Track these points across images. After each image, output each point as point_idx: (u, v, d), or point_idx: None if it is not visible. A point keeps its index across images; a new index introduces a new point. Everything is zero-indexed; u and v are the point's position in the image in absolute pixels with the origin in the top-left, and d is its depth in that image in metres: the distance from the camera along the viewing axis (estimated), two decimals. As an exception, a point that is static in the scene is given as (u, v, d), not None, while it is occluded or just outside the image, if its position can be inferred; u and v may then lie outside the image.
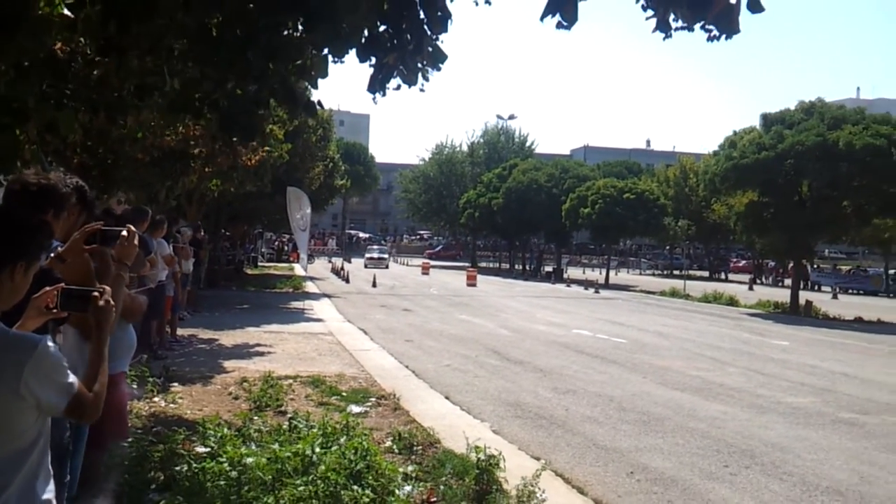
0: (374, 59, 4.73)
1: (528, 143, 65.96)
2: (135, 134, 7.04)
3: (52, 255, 3.40)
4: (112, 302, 2.59)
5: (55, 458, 3.09)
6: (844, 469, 6.59)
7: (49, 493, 2.27)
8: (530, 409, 8.49)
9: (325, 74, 4.73)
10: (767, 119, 25.92)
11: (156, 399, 8.12)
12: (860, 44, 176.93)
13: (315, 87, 5.04)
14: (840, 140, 22.58)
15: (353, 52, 4.50)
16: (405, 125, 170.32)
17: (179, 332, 12.74)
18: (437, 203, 62.31)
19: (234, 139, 5.34)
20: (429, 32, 4.65)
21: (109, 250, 3.40)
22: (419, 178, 64.38)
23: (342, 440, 5.87)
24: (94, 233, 3.38)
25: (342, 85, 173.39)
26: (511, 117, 66.22)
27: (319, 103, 5.18)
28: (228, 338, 12.92)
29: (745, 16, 4.08)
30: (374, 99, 5.14)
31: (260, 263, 42.74)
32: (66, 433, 3.02)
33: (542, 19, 4.12)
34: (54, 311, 2.59)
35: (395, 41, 4.58)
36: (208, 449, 5.88)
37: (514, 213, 45.06)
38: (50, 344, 2.21)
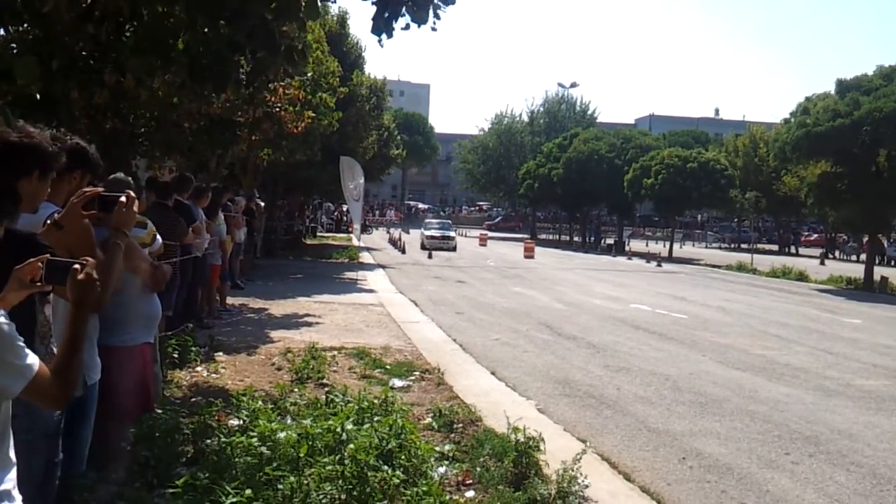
0: None
1: (589, 112, 64.56)
2: (170, 99, 6.82)
3: (48, 221, 3.22)
4: (95, 276, 2.34)
5: (44, 436, 2.94)
6: (920, 461, 6.06)
7: (7, 482, 2.05)
8: (579, 388, 8.13)
9: (315, 15, 4.28)
10: (843, 85, 24.54)
11: (198, 369, 8.06)
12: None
13: (304, 30, 4.62)
14: (923, 106, 21.21)
15: None
16: (466, 95, 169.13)
17: (230, 301, 12.76)
18: (496, 174, 61.71)
19: (206, 88, 4.95)
20: None
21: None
22: (478, 149, 63.83)
23: (376, 418, 5.64)
24: (93, 198, 3.17)
25: (402, 55, 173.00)
26: (573, 85, 64.91)
27: (304, 50, 4.74)
28: (278, 307, 12.88)
29: None
30: (379, 41, 4.62)
31: (319, 233, 43.07)
32: (55, 413, 2.82)
33: None
34: (38, 284, 2.35)
35: None
36: (241, 422, 5.75)
37: (574, 183, 44.21)
38: (3, 321, 1.97)
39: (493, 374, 8.60)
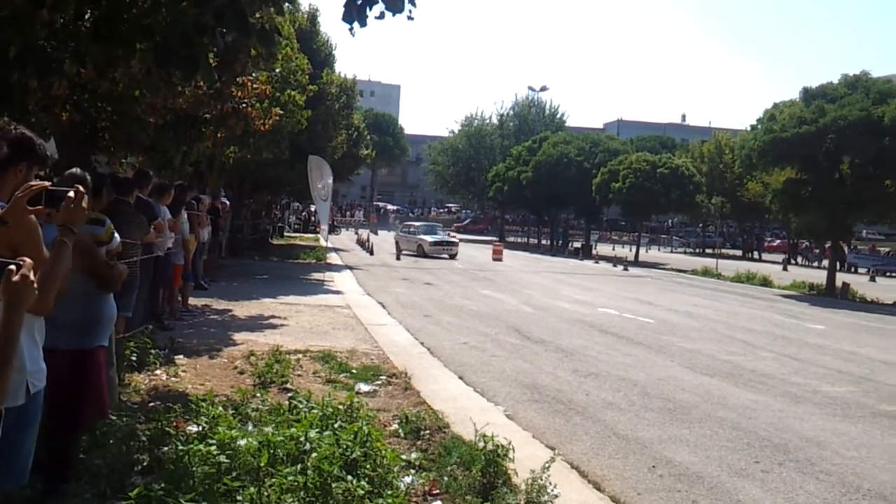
0: None
1: (558, 116, 64.84)
2: (132, 91, 6.57)
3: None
4: (31, 278, 2.15)
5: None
6: (889, 470, 6.04)
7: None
8: (548, 393, 8.03)
9: None
10: (808, 93, 24.89)
11: (157, 372, 7.81)
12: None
13: (281, 13, 4.39)
14: (886, 115, 21.56)
15: None
16: (436, 96, 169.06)
17: (193, 301, 12.46)
18: (466, 176, 61.68)
19: (174, 75, 4.66)
20: None
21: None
22: (448, 151, 63.74)
23: (341, 424, 5.47)
24: (40, 192, 2.97)
25: (372, 55, 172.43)
26: (543, 89, 65.05)
27: (277, 30, 4.51)
28: (243, 309, 12.61)
29: None
30: (350, 29, 4.28)
31: (286, 233, 42.62)
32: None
33: None
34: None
35: None
36: (200, 429, 5.54)
37: (543, 187, 44.31)
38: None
39: (460, 378, 8.46)
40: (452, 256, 31.57)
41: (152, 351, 8.06)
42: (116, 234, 5.92)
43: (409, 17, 4.13)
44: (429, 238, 32.56)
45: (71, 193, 2.95)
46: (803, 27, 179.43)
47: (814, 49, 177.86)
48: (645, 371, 9.54)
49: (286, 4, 4.26)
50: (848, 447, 6.61)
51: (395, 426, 6.31)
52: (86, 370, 4.40)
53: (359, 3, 3.96)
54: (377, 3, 4.01)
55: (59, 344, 4.05)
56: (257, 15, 4.05)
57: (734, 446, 6.42)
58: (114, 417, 5.24)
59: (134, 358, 7.56)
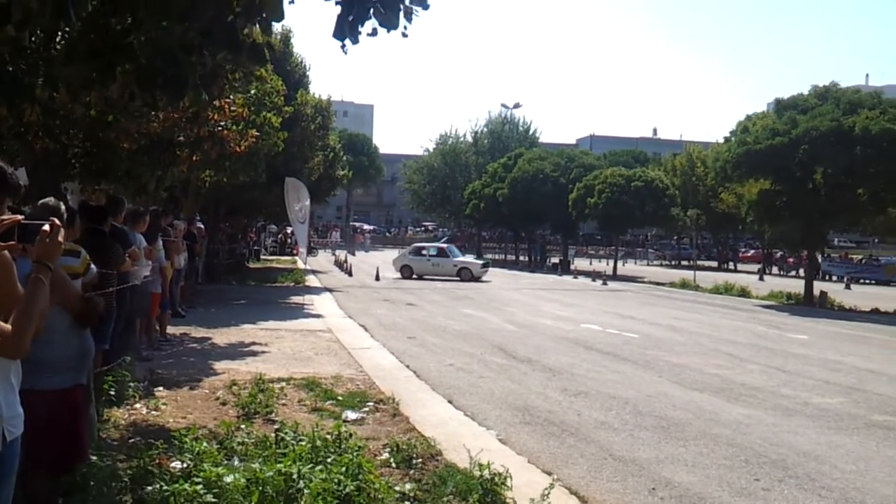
0: None
1: (532, 133, 65.15)
2: (106, 117, 6.37)
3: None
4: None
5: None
6: (889, 483, 5.96)
7: None
8: (539, 414, 7.88)
9: (279, 16, 3.83)
10: (780, 104, 25.20)
11: (137, 406, 7.55)
12: (868, 30, 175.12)
13: (268, 32, 4.20)
14: (856, 125, 21.82)
15: None
16: (409, 115, 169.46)
17: (171, 329, 12.19)
18: (442, 194, 61.65)
19: (159, 98, 4.42)
20: None
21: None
22: (423, 169, 63.74)
23: (330, 457, 5.28)
24: (12, 226, 2.79)
25: (346, 76, 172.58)
26: (516, 106, 65.46)
27: (269, 45, 4.30)
28: (222, 336, 12.35)
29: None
30: (342, 47, 4.09)
31: (263, 257, 42.23)
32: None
33: None
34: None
35: None
36: (184, 465, 5.32)
37: (519, 203, 44.35)
38: None
39: (450, 402, 8.29)
40: (477, 278, 30.86)
41: (131, 384, 7.79)
42: (92, 266, 5.71)
43: (404, 34, 3.95)
44: (475, 262, 32.22)
45: (46, 227, 2.78)
46: (770, 39, 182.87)
47: (781, 61, 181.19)
48: (634, 388, 9.43)
49: (274, 23, 4.07)
50: (846, 461, 6.52)
51: (385, 455, 6.11)
52: (64, 411, 4.19)
53: (350, 19, 3.76)
54: (370, 18, 3.83)
55: (35, 385, 3.83)
56: (244, 32, 3.86)
57: (732, 464, 6.31)
58: (94, 458, 5.00)
59: (112, 392, 7.29)
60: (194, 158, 9.81)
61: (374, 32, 3.90)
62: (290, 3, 3.81)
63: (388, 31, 3.84)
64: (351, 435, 6.03)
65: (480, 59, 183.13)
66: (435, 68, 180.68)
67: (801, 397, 9.18)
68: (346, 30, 3.80)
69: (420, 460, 5.95)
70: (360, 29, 3.83)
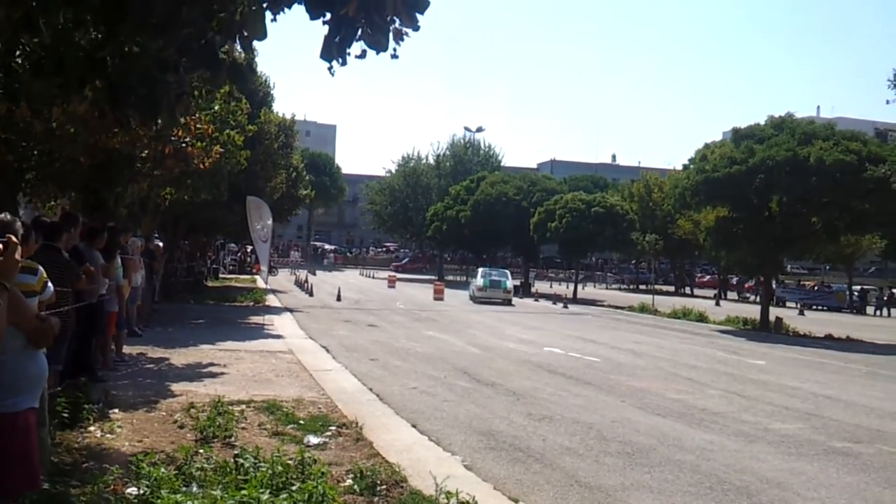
0: (328, 15, 3.63)
1: (495, 156, 65.63)
2: (67, 131, 6.19)
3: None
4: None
5: None
6: (850, 510, 6.02)
7: None
8: (504, 439, 7.81)
9: (261, 34, 3.71)
10: (738, 133, 25.76)
11: (91, 429, 7.29)
12: (819, 65, 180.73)
13: (249, 51, 4.07)
14: (811, 155, 22.41)
15: (300, 6, 3.54)
16: (372, 136, 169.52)
17: (127, 349, 11.87)
18: (404, 215, 61.69)
19: (132, 118, 4.23)
20: None
21: None
22: (385, 190, 63.77)
23: (293, 485, 5.14)
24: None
25: (308, 95, 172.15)
26: (479, 130, 65.93)
27: (250, 64, 4.20)
28: (180, 356, 12.05)
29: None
30: (330, 69, 3.94)
31: (222, 275, 41.60)
32: None
33: None
34: None
35: None
36: (140, 492, 5.14)
37: (481, 226, 44.59)
38: None
39: (414, 426, 8.17)
40: (509, 302, 32.56)
41: (85, 406, 7.53)
42: (49, 284, 5.52)
43: (394, 56, 3.87)
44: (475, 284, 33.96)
45: (0, 245, 2.65)
46: (725, 69, 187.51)
47: (736, 90, 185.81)
48: (598, 413, 9.43)
49: (254, 41, 3.95)
50: (807, 487, 6.57)
51: (349, 481, 5.98)
52: (16, 436, 3.99)
53: (338, 40, 3.66)
54: (358, 40, 3.75)
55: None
56: (223, 49, 3.73)
57: (697, 491, 6.31)
58: (46, 485, 4.80)
59: (66, 414, 7.04)
60: (155, 173, 9.61)
61: (363, 54, 3.80)
62: (272, 20, 3.71)
63: (378, 53, 3.75)
64: (314, 461, 5.90)
65: (444, 82, 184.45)
66: (398, 90, 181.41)
67: (761, 423, 9.27)
68: (333, 51, 3.69)
69: (384, 487, 5.84)
70: (348, 50, 3.73)
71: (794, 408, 10.49)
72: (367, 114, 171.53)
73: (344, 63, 3.79)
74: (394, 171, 66.11)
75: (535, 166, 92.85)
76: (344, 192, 75.42)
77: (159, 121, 3.99)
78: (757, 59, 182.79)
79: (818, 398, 11.40)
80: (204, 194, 14.27)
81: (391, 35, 3.70)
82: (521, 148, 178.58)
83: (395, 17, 3.64)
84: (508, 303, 32.26)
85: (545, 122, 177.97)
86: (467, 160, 63.74)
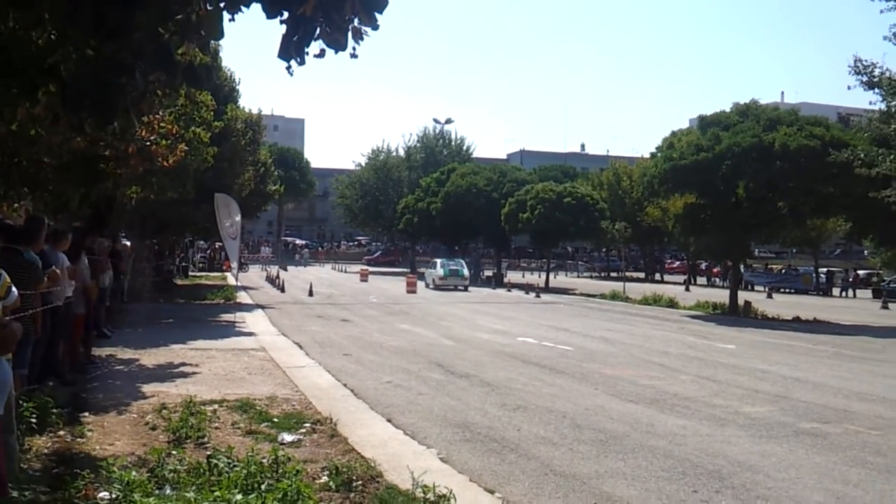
0: (285, 14, 3.56)
1: (465, 148, 65.61)
2: (28, 132, 6.06)
3: None
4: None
5: None
6: (819, 489, 6.13)
7: None
8: (479, 431, 7.84)
9: (218, 34, 3.64)
10: (704, 121, 26.05)
11: (61, 433, 7.17)
12: (782, 50, 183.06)
13: (206, 52, 4.02)
14: (776, 141, 22.74)
15: (256, 5, 3.47)
16: (341, 129, 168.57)
17: (96, 351, 11.72)
18: (374, 209, 61.49)
19: (87, 122, 4.14)
20: None
21: None
22: (355, 184, 63.49)
23: (267, 483, 5.11)
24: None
25: (275, 88, 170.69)
26: (448, 121, 65.82)
27: (207, 68, 4.13)
28: (150, 357, 11.92)
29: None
30: (288, 69, 3.89)
31: (191, 273, 41.19)
32: None
33: None
34: None
35: None
36: (112, 496, 5.07)
37: (453, 217, 44.62)
38: None
39: (389, 421, 8.17)
40: (464, 289, 36.26)
41: (54, 410, 7.40)
42: (14, 289, 5.42)
43: (353, 55, 3.82)
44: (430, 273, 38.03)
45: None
46: (690, 57, 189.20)
47: (701, 77, 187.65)
48: (571, 401, 9.50)
49: (212, 42, 3.88)
50: (778, 469, 6.68)
51: (324, 478, 5.95)
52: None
53: (296, 39, 3.60)
54: (317, 39, 3.68)
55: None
56: (180, 51, 3.66)
57: (670, 476, 6.38)
58: (14, 493, 4.73)
59: (34, 420, 6.91)
60: (119, 173, 9.46)
61: (321, 53, 3.75)
62: (230, 20, 3.65)
63: (336, 53, 3.70)
64: (288, 459, 5.88)
65: (412, 74, 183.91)
66: (366, 83, 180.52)
67: (732, 407, 9.40)
68: (291, 50, 3.63)
69: (360, 482, 5.82)
70: (306, 50, 3.68)
71: (764, 391, 10.65)
72: (335, 107, 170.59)
73: (302, 63, 3.74)
74: (364, 164, 65.83)
75: (504, 157, 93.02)
76: (314, 186, 74.98)
77: (115, 124, 3.91)
78: (722, 45, 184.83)
79: (787, 380, 11.59)
80: (170, 192, 14.09)
81: (350, 34, 3.66)
82: (490, 139, 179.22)
83: (353, 16, 3.59)
84: (465, 288, 36.02)
85: (514, 113, 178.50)
86: (438, 152, 63.65)
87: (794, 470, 6.67)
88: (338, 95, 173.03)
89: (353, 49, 3.79)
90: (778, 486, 6.17)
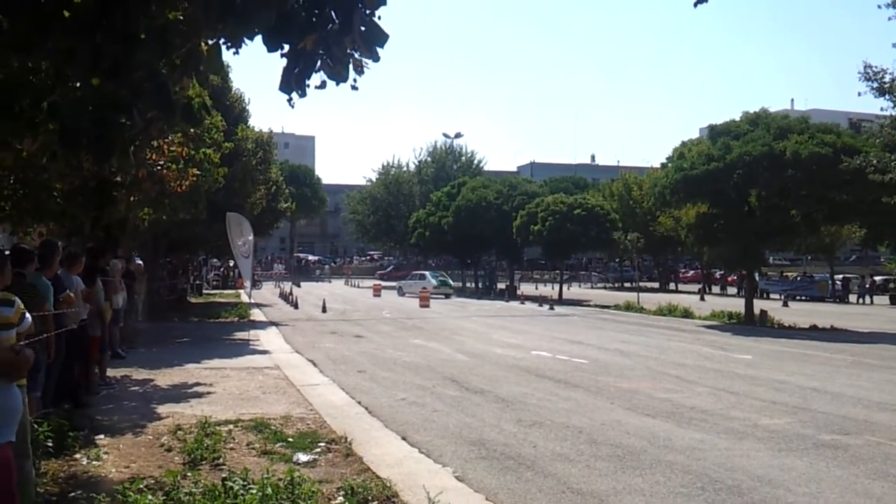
0: (286, 47, 3.57)
1: (475, 162, 65.76)
2: (39, 159, 6.10)
3: None
4: None
5: None
6: (841, 504, 6.04)
7: None
8: (495, 448, 7.79)
9: (218, 68, 3.70)
10: (714, 130, 25.94)
11: (77, 456, 7.19)
12: (792, 57, 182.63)
13: (204, 85, 4.05)
14: (787, 149, 22.60)
15: (258, 39, 3.48)
16: (351, 145, 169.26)
17: (111, 372, 11.75)
18: (386, 223, 61.65)
19: (85, 159, 4.17)
20: (360, 4, 3.52)
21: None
22: (366, 199, 63.73)
23: (285, 506, 5.10)
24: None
25: (285, 106, 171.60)
26: (457, 136, 65.96)
27: (205, 106, 4.14)
28: (165, 377, 11.95)
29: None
30: (289, 101, 3.89)
31: (205, 291, 41.36)
32: None
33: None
34: None
35: (314, 18, 3.42)
36: (130, 521, 5.07)
37: (464, 231, 44.62)
38: None
39: (404, 438, 8.14)
40: (446, 296, 41.22)
41: (70, 433, 7.44)
42: (27, 315, 5.44)
43: (354, 87, 3.82)
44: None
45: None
46: (699, 66, 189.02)
47: (710, 86, 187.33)
48: (587, 416, 9.43)
49: (211, 76, 3.92)
50: (798, 483, 6.59)
51: (340, 499, 5.94)
52: (-5, 472, 3.92)
53: (297, 71, 3.63)
54: (318, 71, 3.69)
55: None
56: (178, 88, 3.66)
57: (689, 492, 6.31)
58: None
59: (50, 443, 6.94)
60: (132, 198, 9.52)
61: (322, 85, 3.73)
62: (234, 54, 3.65)
63: (337, 84, 3.69)
64: (304, 480, 5.86)
65: (421, 89, 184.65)
66: (375, 100, 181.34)
67: (750, 419, 9.30)
68: (292, 83, 3.63)
69: (376, 503, 5.80)
70: (307, 82, 3.69)
71: (782, 402, 10.54)
72: (345, 124, 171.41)
73: (303, 95, 3.74)
74: (374, 179, 66.08)
75: (515, 169, 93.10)
76: (325, 202, 75.23)
77: (113, 162, 3.92)
78: (731, 54, 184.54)
79: (805, 391, 11.47)
80: (182, 214, 14.17)
81: (351, 66, 3.66)
82: (500, 152, 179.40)
83: (354, 50, 3.58)
84: (449, 296, 41.62)
85: (523, 126, 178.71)
86: (448, 166, 63.80)
87: (815, 484, 6.57)
88: (348, 112, 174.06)
89: (354, 81, 3.79)
90: (799, 501, 6.09)
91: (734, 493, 6.29)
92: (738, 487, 6.43)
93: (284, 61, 3.60)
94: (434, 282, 42.45)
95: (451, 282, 44.78)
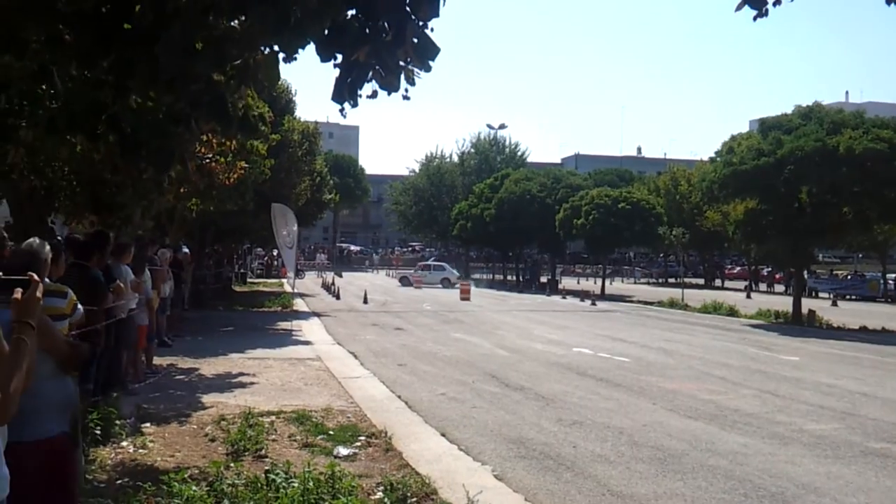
0: (339, 57, 3.58)
1: (519, 153, 65.39)
2: (92, 154, 6.25)
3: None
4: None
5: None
6: (890, 516, 5.89)
7: None
8: (535, 447, 7.76)
9: (276, 79, 3.73)
10: (764, 124, 25.40)
11: (124, 444, 7.38)
12: (847, 49, 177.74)
13: (261, 95, 4.09)
14: (840, 145, 22.03)
15: (311, 48, 3.49)
16: (394, 135, 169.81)
17: (157, 360, 12.00)
18: (428, 214, 61.67)
19: (144, 170, 4.25)
20: (413, 16, 3.52)
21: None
22: (409, 190, 63.79)
23: (325, 502, 5.15)
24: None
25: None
26: (501, 126, 65.59)
27: (262, 117, 4.20)
28: (209, 366, 12.17)
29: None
30: (341, 111, 3.92)
31: (249, 280, 41.95)
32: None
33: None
34: None
35: (368, 30, 3.42)
36: (174, 510, 5.18)
37: (506, 223, 44.40)
38: None
39: (443, 435, 8.16)
40: (452, 285, 42.51)
41: (118, 421, 7.63)
42: (79, 306, 5.57)
43: (405, 97, 3.83)
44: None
45: (17, 293, 2.64)
46: (750, 58, 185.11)
47: (762, 79, 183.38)
48: (629, 417, 9.34)
49: (266, 85, 3.94)
50: (845, 492, 6.44)
51: (379, 494, 5.98)
52: (51, 462, 4.03)
53: (349, 81, 3.62)
54: (370, 81, 3.68)
55: (21, 436, 3.69)
56: (235, 97, 3.70)
57: (731, 498, 6.21)
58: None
59: (98, 431, 7.13)
60: (182, 190, 9.69)
61: (374, 95, 3.73)
62: (287, 62, 3.68)
63: (389, 94, 3.69)
64: (344, 474, 5.91)
65: (465, 80, 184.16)
66: (420, 89, 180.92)
67: (796, 424, 9.11)
68: (345, 93, 3.63)
69: (415, 499, 5.84)
70: (359, 91, 3.69)
71: (830, 407, 10.30)
72: (389, 114, 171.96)
73: (355, 105, 3.74)
74: (417, 170, 66.15)
75: (559, 161, 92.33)
76: (368, 193, 75.58)
77: (172, 173, 3.99)
78: (783, 45, 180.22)
79: (854, 396, 11.19)
80: (229, 205, 14.38)
81: (402, 76, 3.65)
82: (545, 143, 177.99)
83: (406, 61, 3.58)
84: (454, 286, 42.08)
85: (569, 117, 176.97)
86: (491, 158, 63.56)
87: (864, 494, 6.42)
88: (392, 102, 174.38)
89: (406, 90, 3.79)
90: (846, 512, 5.95)
91: (778, 500, 6.17)
92: (782, 495, 6.31)
93: (337, 71, 3.61)
94: (456, 272, 47.41)
95: (456, 272, 48.91)
